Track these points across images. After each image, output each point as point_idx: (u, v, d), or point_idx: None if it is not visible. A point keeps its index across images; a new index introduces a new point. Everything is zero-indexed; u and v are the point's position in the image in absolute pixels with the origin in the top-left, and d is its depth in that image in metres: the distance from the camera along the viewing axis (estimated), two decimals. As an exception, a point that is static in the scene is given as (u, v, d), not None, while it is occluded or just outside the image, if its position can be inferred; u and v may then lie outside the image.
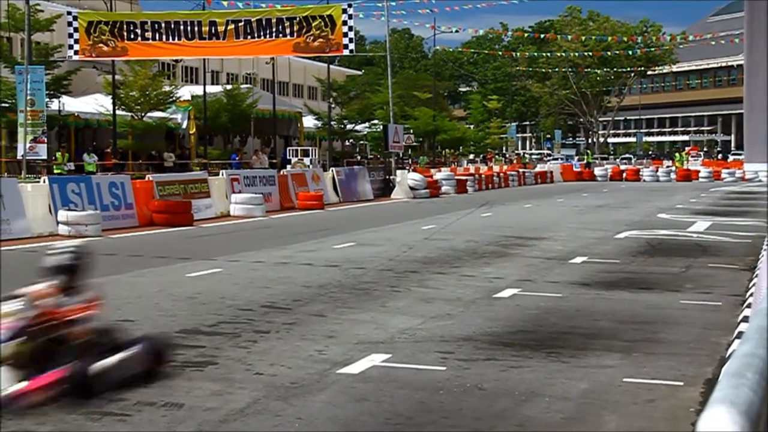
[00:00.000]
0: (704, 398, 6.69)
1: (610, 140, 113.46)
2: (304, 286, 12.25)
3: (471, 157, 76.20)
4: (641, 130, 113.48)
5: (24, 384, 6.52)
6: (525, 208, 30.42)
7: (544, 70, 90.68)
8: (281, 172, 31.42)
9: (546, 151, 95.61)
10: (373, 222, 23.92)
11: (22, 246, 17.56)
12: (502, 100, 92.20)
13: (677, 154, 69.70)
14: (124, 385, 6.84)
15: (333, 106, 53.84)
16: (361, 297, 11.41)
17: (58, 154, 33.57)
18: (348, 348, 8.40)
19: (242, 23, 33.32)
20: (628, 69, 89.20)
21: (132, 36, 33.63)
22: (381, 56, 72.87)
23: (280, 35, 33.27)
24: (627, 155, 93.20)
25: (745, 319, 8.66)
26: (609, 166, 63.76)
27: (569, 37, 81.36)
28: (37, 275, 7.19)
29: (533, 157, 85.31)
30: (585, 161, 66.16)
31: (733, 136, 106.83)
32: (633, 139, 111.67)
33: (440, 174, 43.89)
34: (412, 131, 59.50)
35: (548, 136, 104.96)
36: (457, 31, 64.30)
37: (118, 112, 38.30)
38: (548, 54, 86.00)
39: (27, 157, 29.96)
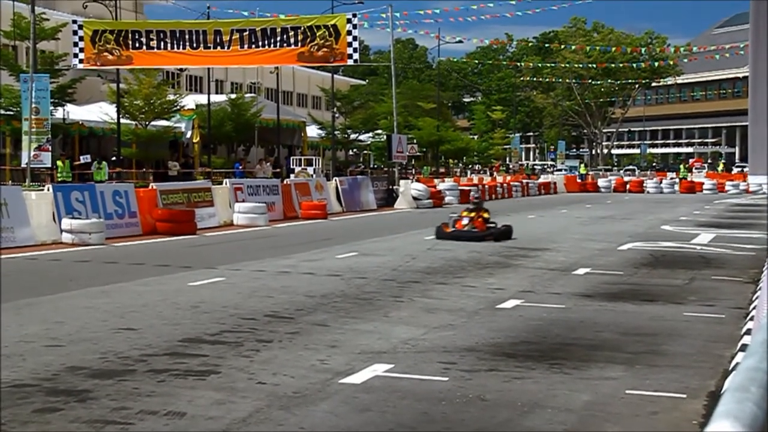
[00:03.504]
0: (707, 411, 6.68)
1: (614, 151, 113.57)
2: (307, 295, 12.24)
3: (477, 167, 76.19)
4: (645, 142, 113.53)
5: None
6: (528, 219, 30.37)
7: (548, 81, 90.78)
8: (285, 182, 31.42)
9: (550, 162, 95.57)
10: (376, 232, 23.91)
11: (26, 254, 17.59)
12: (506, 111, 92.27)
13: (681, 167, 69.61)
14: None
15: (337, 115, 53.91)
16: (363, 307, 11.40)
17: (59, 162, 33.60)
18: (350, 358, 8.39)
19: (247, 33, 33.35)
20: (633, 80, 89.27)
21: (137, 45, 33.69)
22: (385, 66, 72.96)
23: (285, 45, 33.29)
24: (631, 167, 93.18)
25: (749, 332, 8.65)
26: (612, 178, 63.69)
27: (573, 48, 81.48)
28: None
29: (537, 168, 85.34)
30: (578, 173, 65.57)
31: (737, 148, 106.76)
32: (637, 151, 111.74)
33: (444, 184, 43.85)
34: (415, 141, 59.56)
35: (552, 147, 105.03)
36: (461, 42, 64.65)
37: (122, 120, 38.36)
38: (552, 65, 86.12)
39: (31, 165, 30.00)
